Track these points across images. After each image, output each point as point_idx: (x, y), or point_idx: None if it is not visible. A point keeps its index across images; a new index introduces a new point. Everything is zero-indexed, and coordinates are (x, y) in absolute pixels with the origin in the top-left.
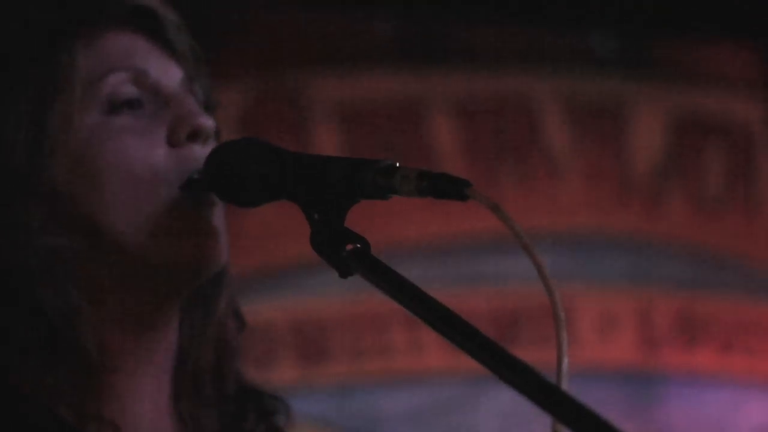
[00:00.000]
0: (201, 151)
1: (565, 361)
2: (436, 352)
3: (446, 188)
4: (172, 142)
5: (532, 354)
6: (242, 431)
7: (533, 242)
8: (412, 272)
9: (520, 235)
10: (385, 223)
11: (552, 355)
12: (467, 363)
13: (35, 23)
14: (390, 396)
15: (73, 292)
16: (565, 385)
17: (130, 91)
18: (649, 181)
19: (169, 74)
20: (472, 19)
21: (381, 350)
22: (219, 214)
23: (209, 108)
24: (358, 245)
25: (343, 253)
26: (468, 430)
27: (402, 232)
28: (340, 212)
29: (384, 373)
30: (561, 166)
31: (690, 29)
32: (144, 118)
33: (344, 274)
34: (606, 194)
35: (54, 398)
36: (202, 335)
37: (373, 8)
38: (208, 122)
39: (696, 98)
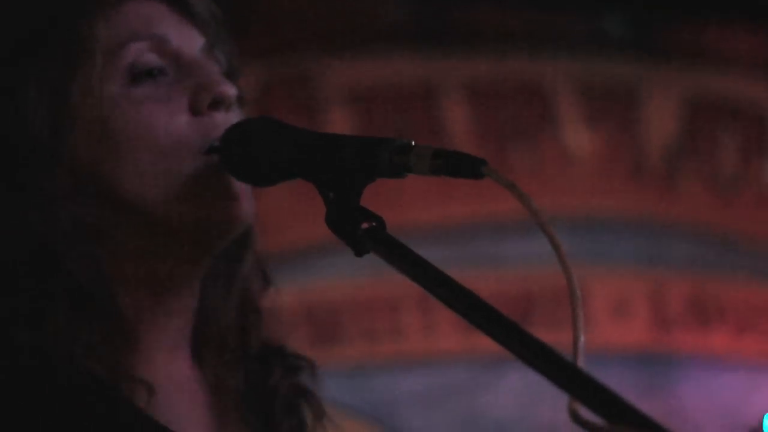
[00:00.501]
0: (224, 118)
1: (582, 339)
2: (449, 334)
3: (462, 166)
4: (195, 110)
5: (546, 336)
6: (267, 388)
7: (549, 220)
8: (425, 254)
9: (536, 212)
10: (399, 206)
11: (566, 338)
12: (480, 345)
13: None
14: (403, 378)
15: (101, 257)
16: (582, 364)
17: (151, 59)
18: (662, 163)
19: (190, 41)
20: (485, 2)
21: (394, 333)
22: None
23: (232, 75)
24: (374, 223)
25: (359, 231)
26: (481, 411)
27: (415, 215)
28: (356, 191)
29: (397, 356)
30: (574, 148)
31: (703, 12)
32: (165, 87)
33: (360, 252)
34: (619, 177)
35: (89, 358)
36: (226, 294)
37: None
38: (230, 89)
39: (709, 80)
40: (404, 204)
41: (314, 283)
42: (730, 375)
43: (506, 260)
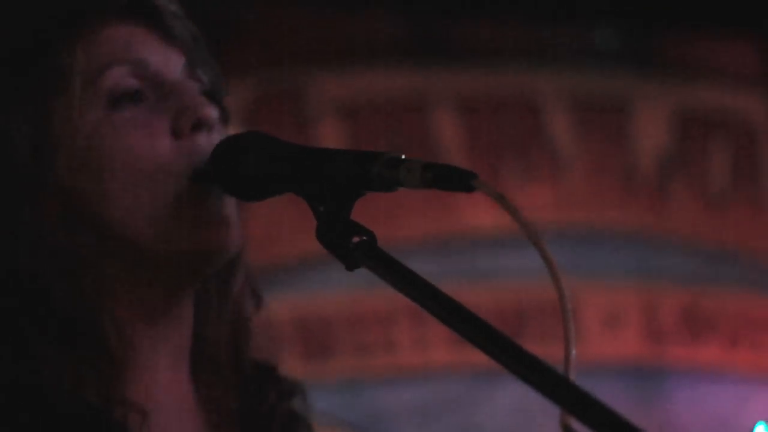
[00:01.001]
0: (206, 140)
1: (573, 352)
2: (441, 348)
3: (452, 179)
4: (177, 134)
5: (538, 350)
6: (262, 411)
7: (539, 233)
8: (418, 268)
9: (526, 225)
10: (389, 219)
11: (557, 351)
12: (472, 359)
13: (32, 23)
14: (395, 392)
15: (88, 287)
16: (573, 377)
17: (130, 83)
18: (654, 176)
19: (170, 63)
20: (475, 16)
21: (386, 346)
22: (230, 203)
23: (215, 94)
24: (365, 237)
25: (350, 245)
26: (473, 426)
27: (405, 229)
28: (346, 205)
29: (389, 369)
30: (565, 161)
31: (693, 25)
32: (146, 110)
33: (351, 266)
34: (610, 189)
35: (79, 386)
36: (218, 316)
37: (376, 5)
38: (211, 112)
39: (700, 93)
40: (397, 218)
41: (307, 296)
42: (722, 387)
43: (499, 274)
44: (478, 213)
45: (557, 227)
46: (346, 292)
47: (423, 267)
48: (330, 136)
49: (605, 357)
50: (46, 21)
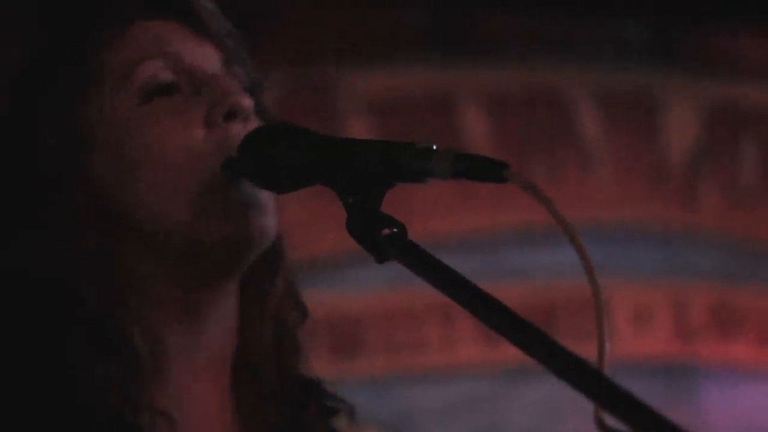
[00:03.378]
0: (241, 130)
1: (607, 345)
2: (471, 347)
3: (484, 170)
4: (210, 123)
5: (570, 347)
6: (302, 426)
7: (572, 224)
8: (451, 264)
9: (559, 216)
10: (420, 215)
11: (589, 350)
12: (501, 358)
13: (66, 17)
14: (424, 391)
15: (120, 286)
16: (607, 371)
17: (164, 76)
18: (683, 172)
19: (204, 57)
20: (503, 10)
21: (415, 345)
22: (265, 190)
23: (253, 89)
24: (395, 230)
25: (380, 237)
26: (502, 425)
27: (437, 225)
28: (377, 196)
29: (418, 368)
30: (593, 157)
31: (723, 19)
32: (180, 102)
33: (381, 259)
34: (639, 186)
35: (105, 391)
36: (259, 320)
37: (404, 1)
38: (245, 100)
39: (730, 88)
40: (426, 214)
41: (336, 295)
42: (753, 385)
43: (530, 271)
44: (506, 209)
45: (585, 224)
46: (374, 290)
47: (452, 263)
48: (360, 132)
49: (635, 355)
50: (80, 15)
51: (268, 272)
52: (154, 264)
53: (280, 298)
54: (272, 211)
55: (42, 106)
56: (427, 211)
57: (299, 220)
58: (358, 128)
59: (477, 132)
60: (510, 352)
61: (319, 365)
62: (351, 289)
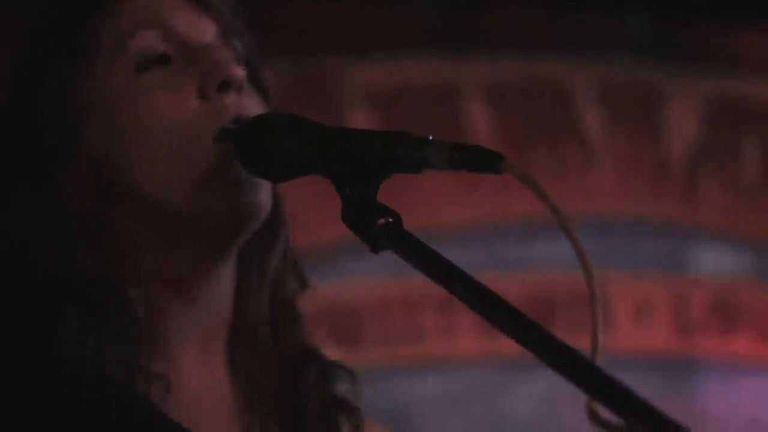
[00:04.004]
0: (234, 101)
1: (600, 338)
2: (469, 337)
3: (480, 161)
4: (203, 95)
5: (569, 340)
6: (299, 392)
7: (567, 216)
8: (447, 257)
9: (555, 209)
10: (420, 207)
11: (588, 342)
12: (500, 348)
13: None
14: (422, 381)
15: (117, 254)
16: (600, 362)
17: (158, 47)
18: (685, 167)
19: (199, 28)
20: (506, 5)
21: (413, 335)
22: None
23: (250, 63)
24: (390, 219)
25: (375, 227)
26: (501, 415)
27: (436, 216)
28: (372, 186)
29: (416, 358)
30: (596, 152)
31: (726, 14)
32: (174, 73)
33: (376, 249)
34: (641, 181)
35: (101, 355)
36: (258, 293)
37: None
38: (238, 71)
39: (732, 85)
40: (426, 205)
41: (334, 285)
42: (753, 380)
43: (530, 263)
44: (507, 200)
45: (587, 218)
46: (373, 280)
47: (452, 255)
48: (361, 124)
49: (636, 349)
50: None
51: (266, 242)
52: (151, 233)
53: (279, 267)
54: (267, 187)
55: (39, 73)
56: (429, 202)
57: (296, 209)
58: (359, 121)
59: (479, 125)
60: (509, 344)
61: None
62: (349, 279)
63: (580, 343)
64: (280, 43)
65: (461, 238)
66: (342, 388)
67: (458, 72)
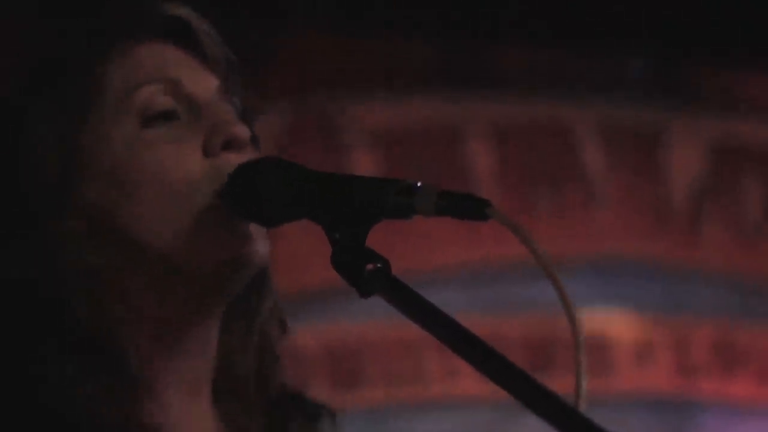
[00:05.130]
0: (237, 160)
1: (584, 384)
2: (469, 378)
3: (466, 208)
4: (207, 152)
5: (567, 381)
6: None
7: (555, 264)
8: (449, 297)
9: (540, 255)
10: (424, 248)
11: (589, 383)
12: (500, 390)
13: (67, 38)
14: (423, 422)
15: (111, 304)
16: (584, 409)
17: (164, 102)
18: (687, 208)
19: (203, 84)
20: (508, 45)
21: (414, 376)
22: None
23: (246, 118)
24: (379, 265)
25: (364, 272)
26: None
27: (440, 257)
28: (362, 231)
29: (417, 399)
30: (597, 192)
31: (728, 56)
32: (178, 129)
33: (364, 293)
34: (643, 221)
35: (95, 406)
36: (243, 342)
37: (409, 34)
38: (243, 131)
39: (734, 125)
40: (430, 246)
41: (335, 325)
42: (753, 422)
43: (531, 304)
44: (508, 242)
45: (588, 258)
46: (374, 320)
47: (453, 297)
48: (363, 164)
49: (636, 390)
50: (82, 37)
51: (255, 292)
52: (146, 283)
53: (265, 318)
54: (263, 238)
55: (43, 117)
56: (430, 244)
57: (298, 250)
58: (363, 160)
59: (482, 165)
60: None
61: (318, 396)
62: (349, 320)
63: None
64: (283, 82)
65: (462, 280)
66: (324, 427)
67: (461, 112)
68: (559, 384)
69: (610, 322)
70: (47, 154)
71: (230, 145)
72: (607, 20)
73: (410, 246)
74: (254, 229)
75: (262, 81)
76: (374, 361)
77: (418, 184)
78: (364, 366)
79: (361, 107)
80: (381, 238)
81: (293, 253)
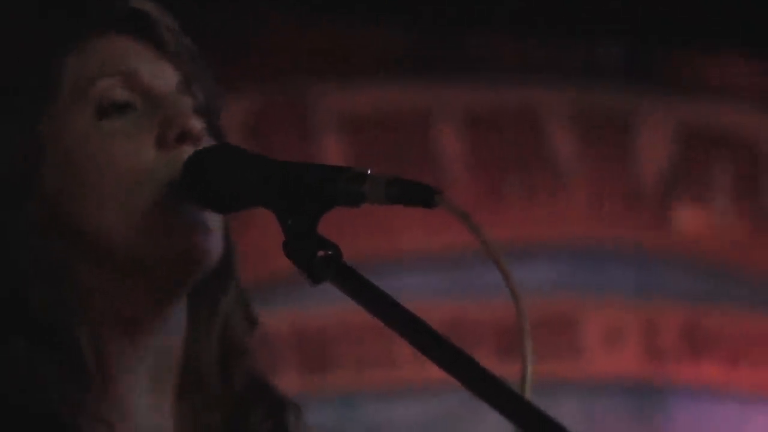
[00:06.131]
0: (191, 152)
1: (529, 370)
2: None
3: (415, 195)
4: (161, 144)
5: (538, 365)
6: (247, 430)
7: (502, 252)
8: (420, 282)
9: (487, 243)
10: (394, 233)
11: (558, 367)
12: None
13: (26, 31)
14: (393, 407)
15: (66, 292)
16: (529, 395)
17: (120, 94)
18: (657, 192)
19: (162, 76)
20: (478, 31)
21: (385, 360)
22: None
23: (210, 111)
24: (330, 252)
25: (315, 259)
26: None
27: (410, 243)
28: (313, 219)
29: (387, 384)
30: (567, 177)
31: (698, 41)
32: (134, 121)
33: (315, 280)
34: (612, 206)
35: (49, 396)
36: (206, 333)
37: (380, 20)
38: (196, 124)
39: (703, 110)
40: (399, 231)
41: (305, 309)
42: (723, 406)
43: (499, 289)
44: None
45: (559, 243)
46: (344, 305)
47: (425, 281)
48: (333, 149)
49: (605, 374)
50: (41, 30)
51: (217, 287)
52: (102, 274)
53: (229, 309)
54: (217, 231)
55: (1, 110)
56: (401, 229)
57: (267, 235)
58: (332, 145)
59: (452, 151)
60: None
61: (288, 381)
62: (320, 305)
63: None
64: (254, 67)
65: (434, 264)
66: (289, 419)
67: (431, 97)
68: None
69: (580, 306)
70: (6, 144)
71: (184, 137)
72: (577, 4)
73: (379, 231)
74: (209, 221)
75: (232, 66)
76: (344, 345)
77: (368, 172)
78: (334, 351)
79: (330, 93)
80: (347, 225)
81: (264, 238)
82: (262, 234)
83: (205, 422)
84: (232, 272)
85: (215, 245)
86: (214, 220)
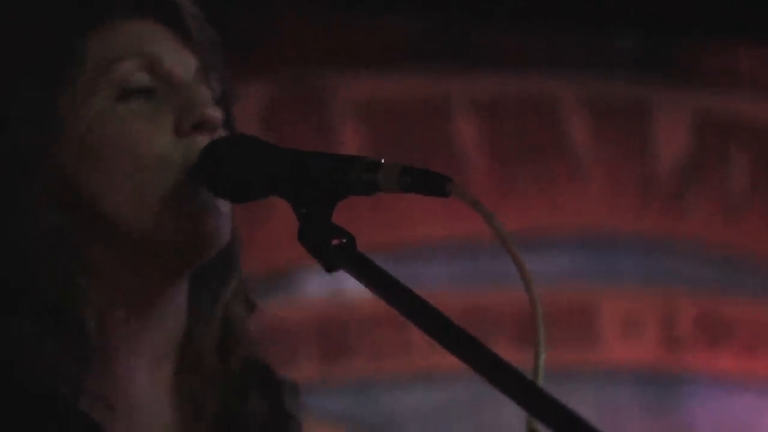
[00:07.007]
0: (207, 141)
1: (542, 357)
2: None
3: (428, 184)
4: (178, 131)
5: (555, 354)
6: (243, 411)
7: (513, 241)
8: (432, 271)
9: (501, 231)
10: (407, 222)
11: (575, 356)
12: None
13: (49, 11)
14: (410, 394)
15: (74, 269)
16: (542, 382)
17: (141, 78)
18: (672, 182)
19: (183, 63)
20: (497, 21)
21: (401, 348)
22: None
23: (226, 99)
24: (344, 240)
25: (329, 247)
26: (486, 428)
27: (423, 231)
28: (327, 207)
29: (404, 372)
30: (584, 167)
31: (715, 31)
32: (153, 105)
33: (329, 268)
34: (629, 195)
35: (51, 372)
36: (208, 317)
37: (398, 9)
38: (214, 113)
39: (720, 100)
40: (412, 220)
41: (323, 299)
42: (739, 394)
43: (512, 278)
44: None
45: (575, 231)
46: (361, 293)
47: (437, 269)
48: (351, 138)
49: (622, 363)
50: (64, 10)
51: (220, 273)
52: (110, 256)
53: (230, 293)
54: (227, 217)
55: (22, 86)
56: (415, 218)
57: (286, 224)
58: (349, 135)
59: (469, 140)
60: None
61: (306, 368)
62: (337, 293)
63: (570, 354)
64: (270, 57)
65: (446, 253)
66: (286, 402)
67: (448, 87)
68: (547, 356)
69: (596, 294)
70: (25, 119)
71: (201, 126)
72: None
73: (392, 220)
74: (220, 206)
75: (250, 56)
76: (361, 333)
77: (382, 161)
78: (351, 339)
79: (348, 82)
80: (366, 214)
81: (282, 228)
82: (281, 224)
83: (202, 402)
84: (235, 262)
85: (225, 228)
86: (225, 206)
